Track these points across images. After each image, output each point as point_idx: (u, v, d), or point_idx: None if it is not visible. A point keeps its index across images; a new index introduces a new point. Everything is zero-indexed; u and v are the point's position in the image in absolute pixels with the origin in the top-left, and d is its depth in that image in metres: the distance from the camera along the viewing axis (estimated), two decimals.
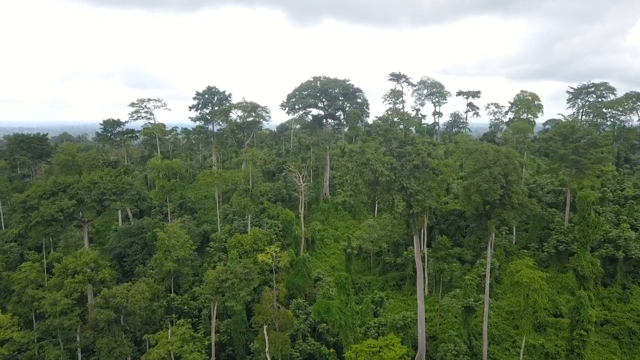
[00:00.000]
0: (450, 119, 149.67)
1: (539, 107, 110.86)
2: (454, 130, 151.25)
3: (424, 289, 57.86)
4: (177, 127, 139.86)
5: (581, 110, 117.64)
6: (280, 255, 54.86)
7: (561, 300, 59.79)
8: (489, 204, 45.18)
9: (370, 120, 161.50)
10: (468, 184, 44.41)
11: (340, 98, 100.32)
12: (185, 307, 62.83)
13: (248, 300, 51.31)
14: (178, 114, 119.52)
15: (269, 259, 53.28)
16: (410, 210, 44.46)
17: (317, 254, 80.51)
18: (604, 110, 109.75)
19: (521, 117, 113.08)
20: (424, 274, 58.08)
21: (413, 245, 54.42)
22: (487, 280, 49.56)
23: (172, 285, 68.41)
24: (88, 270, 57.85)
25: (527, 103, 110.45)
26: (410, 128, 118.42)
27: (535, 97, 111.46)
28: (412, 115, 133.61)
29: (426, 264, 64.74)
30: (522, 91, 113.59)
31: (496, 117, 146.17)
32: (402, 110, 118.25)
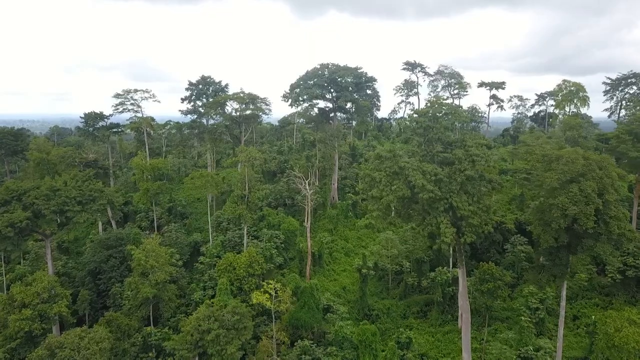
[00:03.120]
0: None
1: (585, 100, 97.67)
2: (472, 125, 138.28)
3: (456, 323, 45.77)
4: (171, 121, 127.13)
5: (619, 104, 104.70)
6: (282, 292, 42.41)
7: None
8: (573, 232, 32.49)
9: (380, 115, 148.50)
10: (548, 206, 31.62)
11: (351, 88, 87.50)
12: (166, 343, 51.19)
13: (238, 357, 39.05)
14: (177, 107, 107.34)
15: (267, 300, 41.00)
16: (461, 239, 32.19)
17: (326, 272, 68.71)
18: None
19: (560, 110, 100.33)
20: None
21: (457, 276, 42.17)
22: (561, 333, 37.05)
23: (151, 314, 56.76)
24: (40, 302, 45.90)
25: (570, 95, 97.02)
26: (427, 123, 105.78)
27: (580, 87, 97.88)
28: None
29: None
30: (564, 81, 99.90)
31: (519, 112, 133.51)
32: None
